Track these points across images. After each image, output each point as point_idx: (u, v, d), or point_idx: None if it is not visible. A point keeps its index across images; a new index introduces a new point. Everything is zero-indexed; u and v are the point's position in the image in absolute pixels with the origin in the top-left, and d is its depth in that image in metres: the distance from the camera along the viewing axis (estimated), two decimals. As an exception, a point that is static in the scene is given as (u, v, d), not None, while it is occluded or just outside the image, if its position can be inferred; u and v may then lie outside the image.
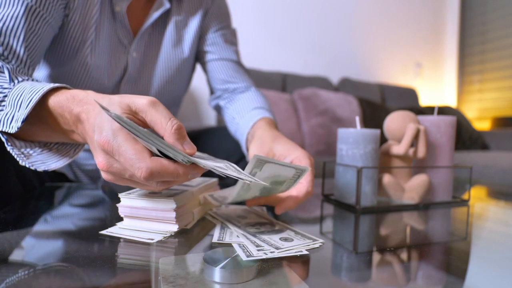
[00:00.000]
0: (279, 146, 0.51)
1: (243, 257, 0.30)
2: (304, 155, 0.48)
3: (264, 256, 0.31)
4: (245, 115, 0.74)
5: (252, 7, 2.35)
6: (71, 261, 0.32)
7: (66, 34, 0.65)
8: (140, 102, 0.35)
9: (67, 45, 0.66)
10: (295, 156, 0.48)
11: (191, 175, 0.34)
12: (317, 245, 0.36)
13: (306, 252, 0.34)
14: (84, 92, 0.41)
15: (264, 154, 0.50)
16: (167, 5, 0.73)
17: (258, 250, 0.33)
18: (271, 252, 0.32)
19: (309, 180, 0.46)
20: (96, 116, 0.35)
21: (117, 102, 0.35)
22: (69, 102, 0.41)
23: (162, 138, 0.35)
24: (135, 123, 0.32)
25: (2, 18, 0.53)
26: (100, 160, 0.34)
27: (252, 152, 0.53)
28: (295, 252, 0.33)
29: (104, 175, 0.36)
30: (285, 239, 0.37)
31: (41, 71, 0.71)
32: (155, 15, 0.72)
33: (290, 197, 0.45)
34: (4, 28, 0.53)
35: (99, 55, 0.68)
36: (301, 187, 0.46)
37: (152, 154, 0.33)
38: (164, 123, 0.34)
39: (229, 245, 0.35)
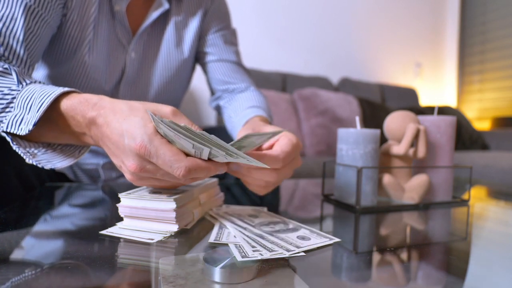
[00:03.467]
0: (269, 128, 0.51)
1: (238, 257, 0.30)
2: (292, 134, 0.47)
3: (259, 257, 0.31)
4: (240, 113, 0.75)
5: (253, 7, 2.35)
6: (71, 261, 0.32)
7: (64, 34, 0.65)
8: (164, 110, 0.40)
9: (65, 45, 0.66)
10: (283, 133, 0.47)
11: (220, 170, 0.38)
12: (332, 243, 0.37)
13: (303, 254, 0.33)
14: (98, 97, 0.43)
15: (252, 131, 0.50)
16: (166, 5, 0.73)
17: (254, 251, 0.32)
18: (267, 252, 0.32)
19: (285, 151, 0.43)
20: (122, 122, 0.37)
21: (142, 108, 0.38)
22: (83, 105, 0.42)
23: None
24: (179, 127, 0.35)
25: (1, 19, 0.53)
26: (132, 163, 0.37)
27: (240, 133, 0.53)
28: (292, 254, 0.33)
29: (129, 176, 0.39)
30: (303, 238, 0.37)
31: (39, 71, 0.71)
32: (154, 15, 0.72)
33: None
34: (4, 28, 0.53)
35: (98, 54, 0.68)
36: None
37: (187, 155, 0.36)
38: None
39: (226, 245, 0.35)
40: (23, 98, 0.45)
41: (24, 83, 0.48)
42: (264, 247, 0.34)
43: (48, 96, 0.43)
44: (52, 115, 0.44)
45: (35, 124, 0.43)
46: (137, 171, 0.37)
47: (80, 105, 0.42)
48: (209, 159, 0.37)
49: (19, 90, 0.46)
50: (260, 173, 0.42)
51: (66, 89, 0.45)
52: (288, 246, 0.34)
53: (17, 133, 0.44)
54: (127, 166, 0.37)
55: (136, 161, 0.36)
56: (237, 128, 0.72)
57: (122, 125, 0.37)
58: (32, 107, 0.44)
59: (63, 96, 0.44)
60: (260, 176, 0.43)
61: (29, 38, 0.56)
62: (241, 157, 0.35)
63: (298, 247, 0.34)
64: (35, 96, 0.44)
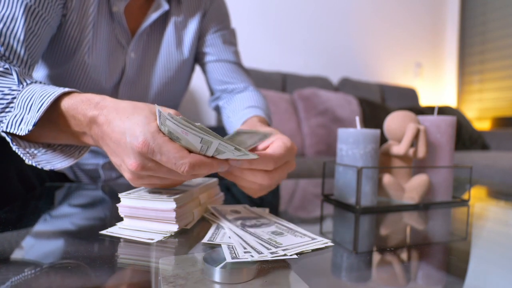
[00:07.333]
0: (263, 128, 0.52)
1: (228, 258, 0.30)
2: (286, 137, 0.47)
3: (250, 259, 0.30)
4: (238, 113, 0.75)
5: (252, 7, 2.35)
6: (71, 261, 0.32)
7: (64, 34, 0.65)
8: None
9: (65, 45, 0.66)
10: (277, 136, 0.47)
11: (221, 167, 0.38)
12: (322, 245, 0.36)
13: (295, 256, 0.33)
14: (100, 97, 0.43)
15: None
16: (165, 7, 0.72)
17: (245, 252, 0.32)
18: (256, 254, 0.32)
19: (278, 153, 0.43)
20: (125, 120, 0.38)
21: (146, 108, 0.39)
22: (84, 104, 0.42)
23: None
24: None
25: (2, 19, 0.53)
26: (133, 161, 0.36)
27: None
28: (280, 256, 0.32)
29: (128, 175, 0.39)
30: (278, 234, 0.38)
31: (39, 71, 0.71)
32: (153, 16, 0.72)
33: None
34: (5, 29, 0.53)
35: (97, 55, 0.68)
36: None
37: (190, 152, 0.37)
38: None
39: (219, 245, 0.35)
40: (23, 98, 0.45)
41: (24, 83, 0.48)
42: (254, 248, 0.33)
43: (49, 96, 0.43)
44: (53, 115, 0.44)
45: (35, 124, 0.43)
46: (138, 169, 0.36)
47: (81, 104, 0.42)
48: (212, 156, 0.37)
49: (19, 90, 0.46)
50: (252, 175, 0.42)
51: (66, 89, 0.45)
52: (282, 247, 0.34)
53: (17, 133, 0.44)
54: (128, 164, 0.37)
55: (138, 159, 0.36)
56: (235, 129, 0.72)
57: (125, 123, 0.37)
58: (32, 107, 0.44)
59: (64, 96, 0.44)
60: (252, 179, 0.42)
61: (30, 38, 0.56)
62: (251, 154, 0.36)
63: (266, 238, 0.35)
64: (35, 96, 0.44)
